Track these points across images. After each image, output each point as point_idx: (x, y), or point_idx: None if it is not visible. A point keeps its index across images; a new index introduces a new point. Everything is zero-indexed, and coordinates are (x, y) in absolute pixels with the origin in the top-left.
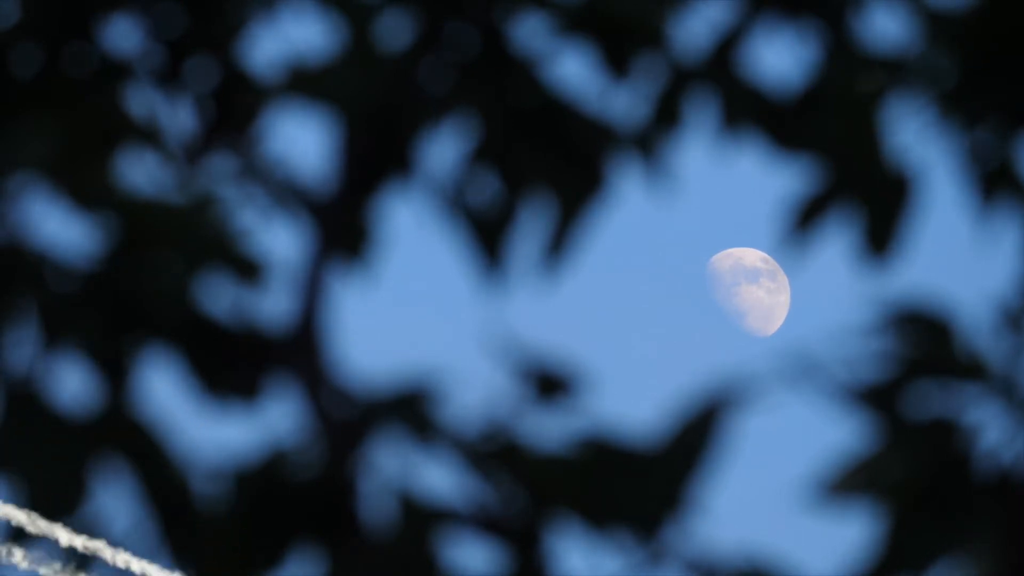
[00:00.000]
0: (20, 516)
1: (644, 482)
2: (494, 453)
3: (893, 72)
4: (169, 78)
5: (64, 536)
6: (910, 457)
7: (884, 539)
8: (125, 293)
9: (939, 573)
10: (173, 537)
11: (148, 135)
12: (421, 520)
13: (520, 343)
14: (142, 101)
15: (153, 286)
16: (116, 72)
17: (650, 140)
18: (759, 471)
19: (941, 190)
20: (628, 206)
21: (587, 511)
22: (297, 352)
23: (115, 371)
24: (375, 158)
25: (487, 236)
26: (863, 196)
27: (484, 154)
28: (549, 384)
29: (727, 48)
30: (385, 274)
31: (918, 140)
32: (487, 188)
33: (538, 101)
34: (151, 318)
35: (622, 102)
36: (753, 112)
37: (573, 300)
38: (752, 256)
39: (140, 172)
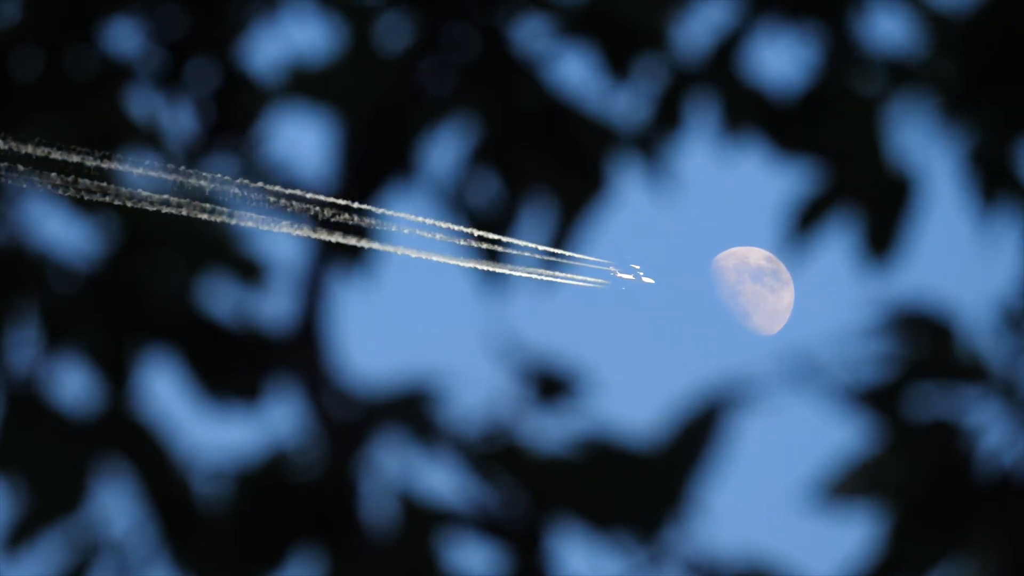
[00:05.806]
0: None
1: (645, 483)
2: (495, 455)
3: (895, 74)
4: (170, 80)
5: None
6: (911, 459)
7: (885, 541)
8: (126, 294)
9: (940, 575)
10: (174, 538)
11: (149, 137)
12: (422, 521)
13: (521, 345)
14: (143, 103)
15: (154, 287)
16: (117, 74)
17: (651, 141)
18: (760, 473)
19: (942, 192)
20: (630, 206)
21: (588, 512)
22: (298, 353)
23: (116, 372)
24: (376, 159)
25: (488, 237)
26: (864, 198)
27: (485, 155)
28: (550, 386)
29: (728, 50)
30: (386, 275)
31: (919, 142)
32: (488, 189)
33: (539, 102)
34: (152, 319)
35: (623, 103)
36: (754, 114)
37: (574, 301)
38: (756, 255)
39: (141, 173)
